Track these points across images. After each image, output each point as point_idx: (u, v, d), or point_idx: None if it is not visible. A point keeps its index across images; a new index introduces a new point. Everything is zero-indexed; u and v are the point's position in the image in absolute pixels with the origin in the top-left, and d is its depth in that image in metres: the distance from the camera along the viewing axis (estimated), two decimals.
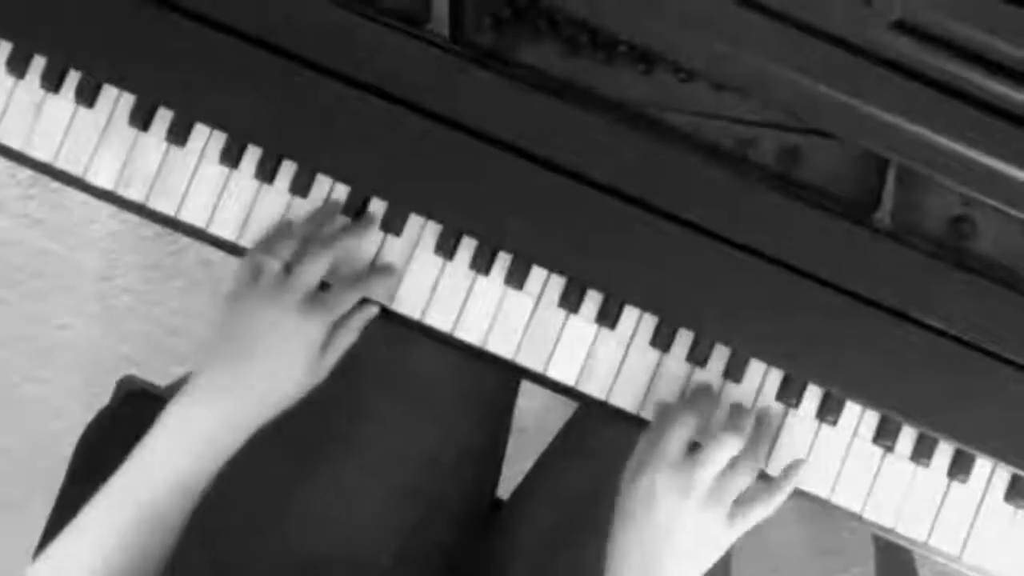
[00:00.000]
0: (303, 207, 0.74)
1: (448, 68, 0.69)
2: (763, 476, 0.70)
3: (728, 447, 0.65)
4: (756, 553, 1.37)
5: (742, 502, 0.66)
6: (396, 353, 0.81)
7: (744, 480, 0.66)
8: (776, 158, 0.71)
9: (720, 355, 0.72)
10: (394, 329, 0.74)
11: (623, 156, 0.68)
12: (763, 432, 0.70)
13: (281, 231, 0.72)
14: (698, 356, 0.72)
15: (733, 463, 0.66)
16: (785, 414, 0.72)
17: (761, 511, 0.67)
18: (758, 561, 1.37)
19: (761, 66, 0.63)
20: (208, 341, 0.69)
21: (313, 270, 0.69)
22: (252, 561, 0.74)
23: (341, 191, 0.73)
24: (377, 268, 0.72)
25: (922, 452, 0.70)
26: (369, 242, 0.73)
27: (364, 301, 0.72)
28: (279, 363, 0.67)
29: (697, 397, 0.70)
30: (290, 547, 0.75)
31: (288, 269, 0.69)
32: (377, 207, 0.73)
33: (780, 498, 0.67)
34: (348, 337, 0.70)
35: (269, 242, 0.71)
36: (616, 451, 0.74)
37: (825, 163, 0.71)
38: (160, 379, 0.91)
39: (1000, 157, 0.63)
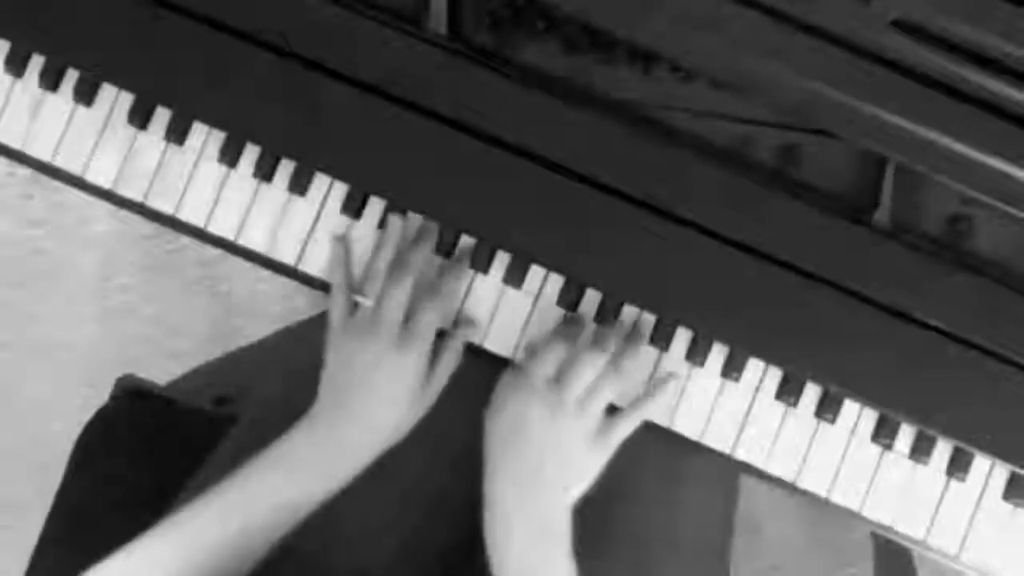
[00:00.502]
0: (302, 206, 0.74)
1: (446, 67, 0.69)
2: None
3: (591, 363, 0.67)
4: (755, 551, 1.37)
5: (611, 419, 0.68)
6: None
7: (610, 389, 0.67)
8: (775, 157, 0.71)
9: (718, 353, 0.72)
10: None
11: (621, 155, 0.68)
12: (629, 347, 0.70)
13: (365, 265, 0.72)
14: (697, 354, 0.72)
15: (601, 375, 0.67)
16: (785, 412, 0.72)
17: (629, 423, 0.68)
18: (757, 559, 1.37)
19: (760, 65, 0.63)
20: (321, 381, 0.70)
21: (398, 297, 0.69)
22: (256, 565, 0.74)
23: (339, 189, 0.73)
24: (445, 276, 0.72)
25: (921, 450, 0.71)
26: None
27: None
28: (382, 401, 0.68)
29: (563, 328, 0.71)
30: (289, 549, 0.75)
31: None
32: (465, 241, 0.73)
33: (648, 410, 0.69)
34: (450, 360, 0.71)
35: (351, 276, 0.72)
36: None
37: (824, 162, 0.71)
38: (159, 378, 0.91)
39: (999, 156, 0.63)
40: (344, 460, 0.68)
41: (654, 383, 0.71)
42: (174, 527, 0.64)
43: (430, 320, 0.69)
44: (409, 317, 0.69)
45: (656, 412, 0.71)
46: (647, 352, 0.72)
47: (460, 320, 0.73)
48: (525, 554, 0.66)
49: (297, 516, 0.66)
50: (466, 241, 0.73)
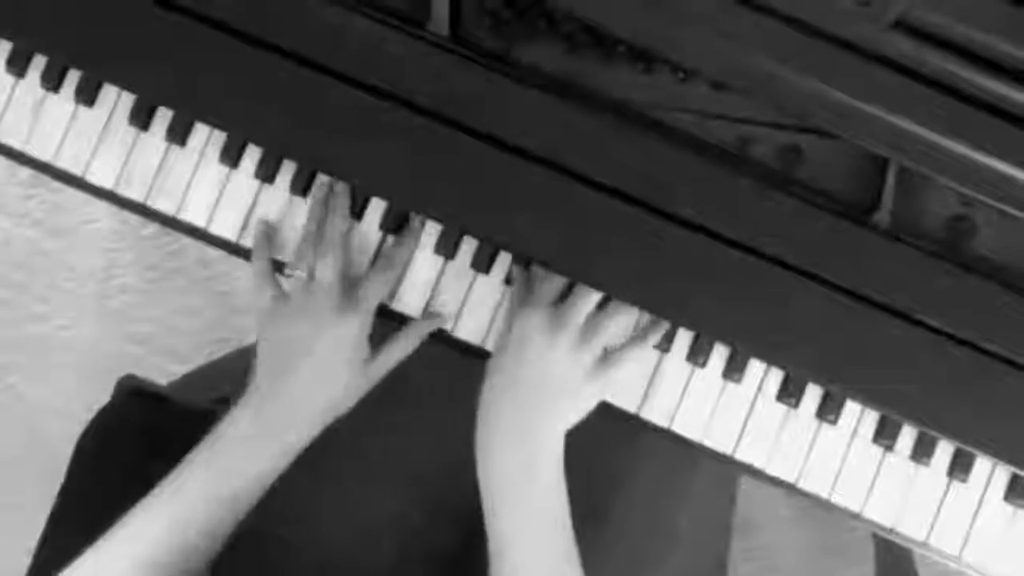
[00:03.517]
0: (304, 206, 0.74)
1: (448, 67, 0.69)
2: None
3: (592, 298, 0.68)
4: (756, 552, 1.37)
5: (607, 357, 0.69)
6: None
7: (614, 324, 0.68)
8: (776, 157, 0.71)
9: (720, 355, 0.72)
10: (391, 331, 0.74)
11: (622, 155, 0.68)
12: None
13: (300, 237, 0.72)
14: (698, 356, 0.72)
15: (602, 312, 0.68)
16: (786, 413, 0.72)
17: (622, 363, 0.69)
18: (758, 560, 1.37)
19: (760, 65, 0.63)
20: (256, 362, 0.69)
21: (331, 264, 0.69)
22: (255, 566, 0.74)
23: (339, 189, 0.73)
24: (392, 247, 0.72)
25: (922, 451, 0.71)
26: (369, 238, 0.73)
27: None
28: (321, 369, 0.67)
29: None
30: (292, 551, 0.75)
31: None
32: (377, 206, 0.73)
33: (646, 349, 0.70)
34: (405, 342, 0.71)
35: (273, 251, 0.72)
36: (615, 445, 0.74)
37: (825, 162, 0.71)
38: (160, 377, 0.91)
39: (1000, 157, 0.63)
40: (288, 432, 0.67)
41: (644, 326, 0.71)
42: (126, 528, 0.64)
43: (373, 289, 0.69)
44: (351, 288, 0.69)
45: (627, 400, 0.71)
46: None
47: (429, 311, 0.73)
48: (516, 472, 0.66)
49: (247, 497, 0.66)
50: (415, 217, 0.73)
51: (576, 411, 0.68)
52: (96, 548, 0.62)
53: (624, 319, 0.70)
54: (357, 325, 0.68)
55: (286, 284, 0.71)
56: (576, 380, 0.68)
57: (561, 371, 0.67)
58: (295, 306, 0.69)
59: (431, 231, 0.73)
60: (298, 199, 0.74)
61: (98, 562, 0.62)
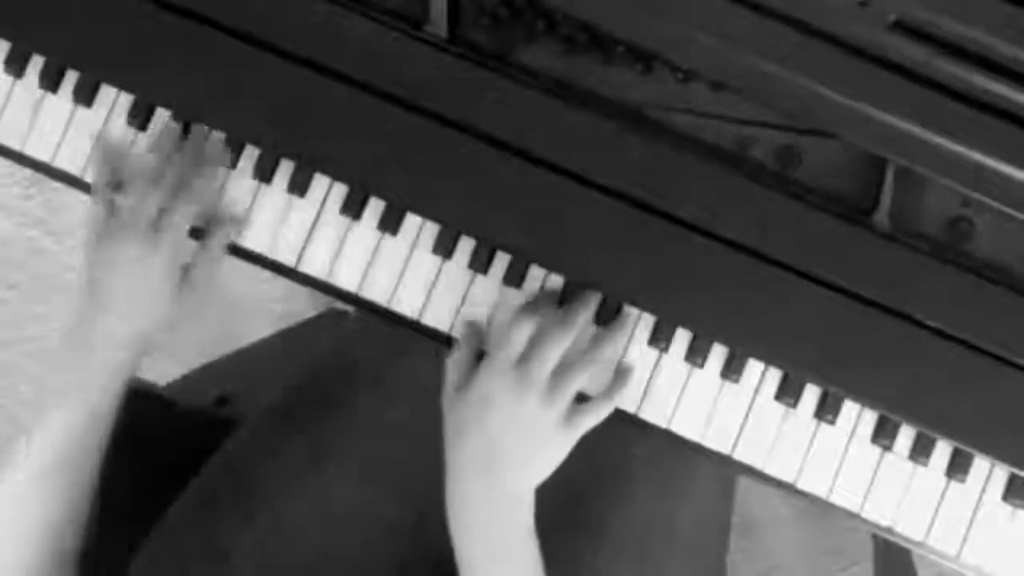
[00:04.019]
0: (302, 206, 0.74)
1: (446, 68, 0.69)
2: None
3: (558, 340, 0.66)
4: (755, 553, 1.37)
5: (578, 407, 0.67)
6: (393, 357, 0.81)
7: (580, 377, 0.66)
8: (774, 158, 0.71)
9: (718, 355, 0.72)
10: (390, 333, 0.74)
11: (621, 156, 0.68)
12: (608, 332, 0.70)
13: (125, 165, 0.73)
14: (696, 356, 0.72)
15: (567, 361, 0.66)
16: (784, 413, 0.72)
17: (596, 413, 0.67)
18: (757, 561, 1.37)
19: (759, 66, 0.63)
20: (82, 279, 0.72)
21: (153, 197, 0.70)
22: (259, 566, 0.74)
23: (339, 190, 0.73)
24: (201, 177, 0.73)
25: (920, 451, 0.71)
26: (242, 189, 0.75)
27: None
28: (138, 291, 0.70)
29: (530, 305, 0.70)
30: (291, 551, 0.75)
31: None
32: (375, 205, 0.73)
33: (617, 398, 0.68)
34: (207, 263, 0.73)
35: (113, 176, 0.73)
36: (613, 445, 0.74)
37: (823, 163, 0.71)
38: (158, 378, 0.91)
39: (999, 158, 0.63)
40: (107, 345, 0.69)
41: (619, 372, 0.70)
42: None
43: (177, 220, 0.70)
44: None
45: (625, 400, 0.70)
46: (631, 342, 0.71)
47: (219, 219, 0.74)
48: (484, 531, 0.66)
49: (96, 425, 0.69)
50: (217, 136, 0.74)
51: (549, 465, 0.67)
52: None
53: (593, 368, 0.68)
54: (163, 255, 0.70)
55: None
56: (547, 434, 0.66)
57: (531, 427, 0.65)
58: (112, 232, 0.70)
59: (429, 231, 0.73)
60: (296, 199, 0.74)
61: None
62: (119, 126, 0.75)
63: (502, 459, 0.65)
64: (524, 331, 0.67)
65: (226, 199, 0.74)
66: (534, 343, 0.66)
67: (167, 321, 0.72)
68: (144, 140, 0.75)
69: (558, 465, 0.67)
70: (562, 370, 0.67)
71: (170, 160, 0.72)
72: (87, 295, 0.70)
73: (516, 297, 0.72)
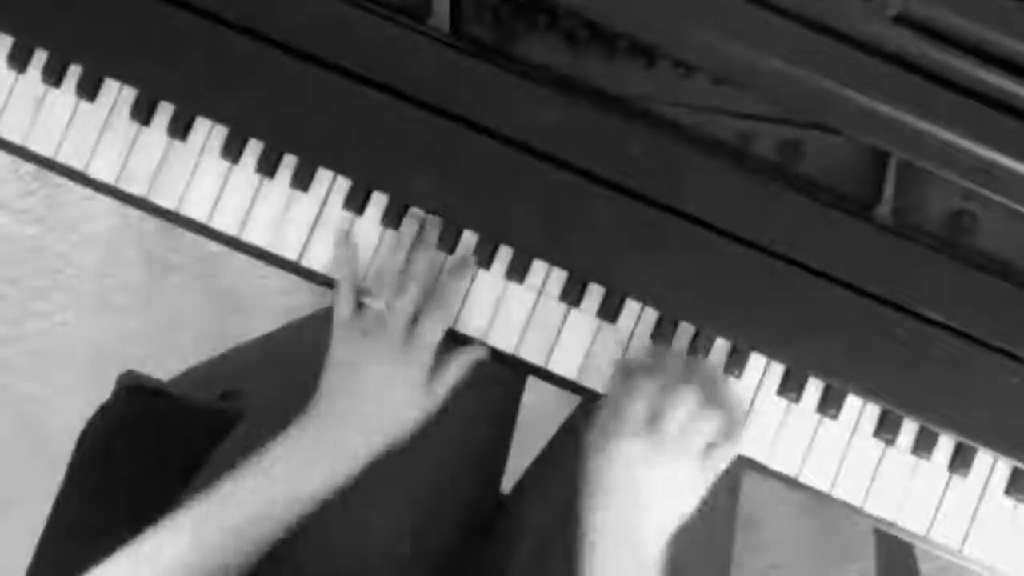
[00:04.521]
0: (304, 201, 0.74)
1: (449, 63, 0.69)
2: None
3: (686, 400, 0.66)
4: (757, 548, 1.37)
5: (709, 448, 0.68)
6: None
7: (707, 427, 0.67)
8: (777, 152, 0.71)
9: (721, 349, 0.72)
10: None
11: (624, 150, 0.68)
12: (721, 381, 0.71)
13: (375, 268, 0.73)
14: (699, 350, 0.72)
15: (694, 412, 0.67)
16: (787, 408, 0.72)
17: (728, 451, 0.69)
18: (759, 556, 1.37)
19: (761, 60, 0.63)
20: (324, 375, 0.70)
21: (407, 304, 0.70)
22: (260, 565, 0.74)
23: (342, 185, 0.73)
24: (449, 280, 0.72)
25: (923, 445, 0.71)
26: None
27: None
28: (386, 405, 0.69)
29: (655, 359, 0.71)
30: (297, 553, 0.75)
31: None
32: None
33: (740, 433, 0.70)
34: (455, 371, 0.71)
35: (360, 277, 0.72)
36: None
37: (826, 157, 0.71)
38: (161, 374, 0.91)
39: (1001, 151, 0.63)
40: (344, 459, 0.68)
41: (736, 415, 0.71)
42: (172, 527, 0.64)
43: (435, 328, 0.70)
44: (415, 321, 0.70)
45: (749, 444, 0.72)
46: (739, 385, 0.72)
47: (474, 337, 0.73)
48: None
49: (292, 515, 0.67)
50: (468, 238, 0.73)
51: (684, 515, 0.68)
52: (128, 553, 0.63)
53: (718, 416, 0.68)
54: (420, 365, 0.69)
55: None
56: (685, 490, 0.68)
57: (669, 487, 0.67)
58: (369, 333, 0.70)
59: (432, 225, 0.73)
60: (299, 194, 0.74)
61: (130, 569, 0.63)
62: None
63: (644, 518, 0.67)
64: (648, 390, 0.67)
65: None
66: (662, 404, 0.67)
67: (416, 423, 0.70)
68: (144, 135, 0.74)
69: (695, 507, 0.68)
70: (689, 426, 0.67)
71: (417, 261, 0.71)
72: (335, 398, 0.69)
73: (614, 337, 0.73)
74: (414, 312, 0.70)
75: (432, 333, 0.70)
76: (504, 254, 0.73)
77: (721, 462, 0.69)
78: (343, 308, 0.71)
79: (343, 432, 0.68)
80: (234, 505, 0.65)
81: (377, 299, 0.71)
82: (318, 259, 0.74)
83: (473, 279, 0.73)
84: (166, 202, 0.74)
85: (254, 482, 0.66)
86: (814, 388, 0.72)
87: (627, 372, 0.71)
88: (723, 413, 0.69)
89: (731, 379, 0.72)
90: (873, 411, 0.71)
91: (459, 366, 0.72)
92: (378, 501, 0.78)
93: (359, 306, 0.71)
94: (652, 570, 0.67)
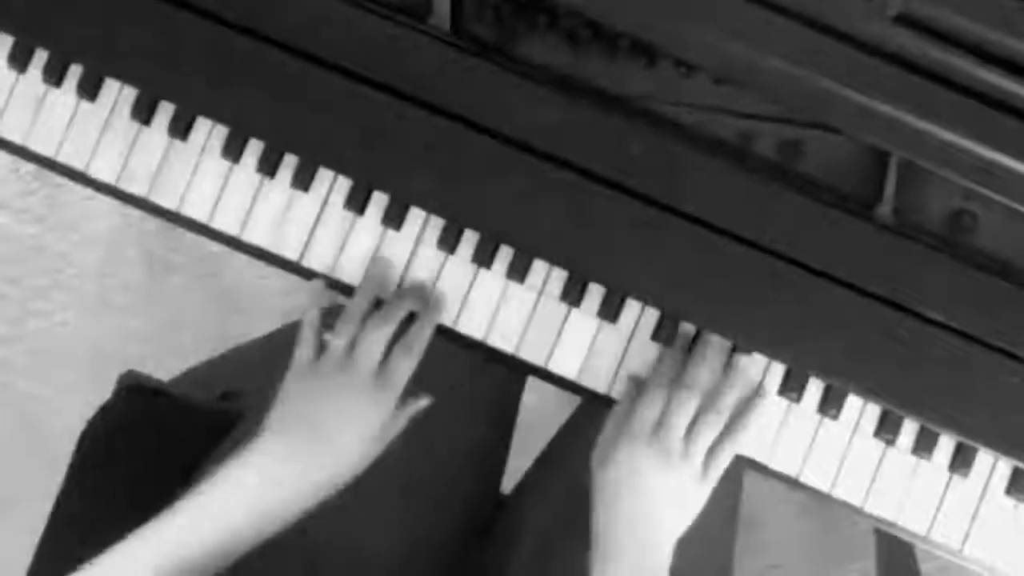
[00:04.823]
0: (305, 201, 0.74)
1: (449, 62, 0.69)
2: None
3: (688, 406, 0.68)
4: (758, 547, 1.37)
5: (711, 451, 0.69)
6: None
7: (710, 433, 0.68)
8: (777, 151, 0.71)
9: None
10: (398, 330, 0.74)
11: (624, 150, 0.68)
12: (727, 381, 0.70)
13: (342, 308, 0.72)
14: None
15: (697, 418, 0.68)
16: (787, 408, 0.72)
17: (728, 454, 0.69)
18: (760, 556, 1.37)
19: (762, 60, 0.63)
20: (275, 410, 0.69)
21: (376, 347, 0.69)
22: (262, 564, 0.74)
23: (343, 184, 0.73)
24: (416, 328, 0.72)
25: (924, 445, 0.71)
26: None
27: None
28: (348, 441, 0.68)
29: (659, 368, 0.71)
30: (297, 547, 0.75)
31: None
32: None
33: (742, 437, 0.70)
34: (411, 411, 0.71)
35: (330, 317, 0.71)
36: None
37: (827, 156, 0.71)
38: (162, 374, 0.91)
39: (1002, 151, 0.63)
40: (311, 484, 0.67)
41: (741, 410, 0.71)
42: (128, 550, 0.63)
43: (405, 369, 0.69)
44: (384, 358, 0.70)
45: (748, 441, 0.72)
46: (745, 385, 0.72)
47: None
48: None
49: (260, 536, 0.66)
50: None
51: (691, 519, 0.69)
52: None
53: (720, 421, 0.69)
54: (388, 401, 0.69)
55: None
56: (691, 494, 0.69)
57: (677, 493, 0.68)
58: (334, 372, 0.69)
59: (433, 226, 0.73)
60: (300, 194, 0.74)
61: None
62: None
63: (654, 524, 0.67)
64: (657, 398, 0.68)
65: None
66: (668, 410, 0.68)
67: (365, 466, 0.69)
68: (145, 135, 0.74)
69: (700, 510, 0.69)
70: (694, 430, 0.68)
71: (394, 309, 0.71)
72: (300, 425, 0.67)
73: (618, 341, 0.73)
74: (382, 352, 0.69)
75: (403, 373, 0.69)
76: (504, 254, 0.73)
77: (722, 464, 0.69)
78: (306, 349, 0.70)
79: (317, 455, 0.67)
80: (204, 522, 0.64)
81: (339, 337, 0.69)
82: (318, 259, 0.74)
83: (473, 279, 0.73)
84: (167, 202, 0.74)
85: (203, 510, 0.65)
86: (815, 388, 0.72)
87: (637, 381, 0.71)
88: (724, 416, 0.69)
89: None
90: (874, 411, 0.71)
91: (415, 406, 0.72)
92: (378, 501, 0.78)
93: (321, 347, 0.70)
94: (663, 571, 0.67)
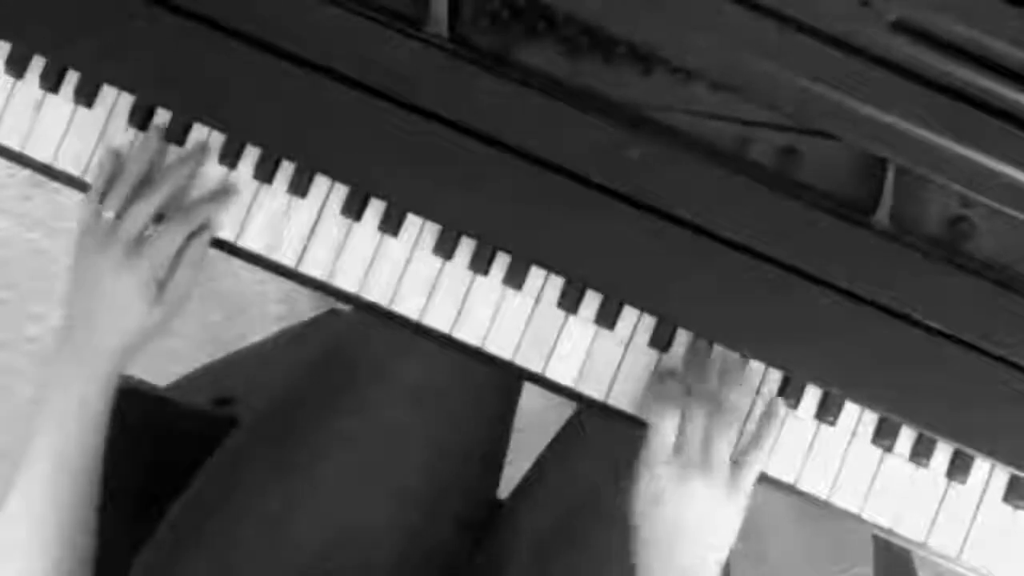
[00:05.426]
0: (302, 207, 0.74)
1: (446, 68, 0.69)
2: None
3: (731, 432, 0.66)
4: (756, 555, 1.36)
5: (738, 461, 0.67)
6: (397, 355, 0.81)
7: (724, 443, 0.66)
8: (774, 158, 0.71)
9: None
10: (394, 332, 0.73)
11: (621, 156, 0.68)
12: (725, 387, 0.69)
13: (118, 173, 0.73)
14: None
15: (711, 431, 0.66)
16: (785, 415, 0.72)
17: (756, 464, 0.68)
18: (755, 564, 1.37)
19: (759, 66, 0.63)
20: (67, 294, 0.72)
21: (138, 214, 0.70)
22: (261, 568, 0.74)
23: (340, 191, 0.73)
24: (204, 198, 0.73)
25: (921, 452, 0.70)
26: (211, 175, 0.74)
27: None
28: (115, 309, 0.69)
29: (699, 392, 0.70)
30: (296, 551, 0.75)
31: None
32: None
33: (768, 445, 0.68)
34: (185, 272, 0.72)
35: (106, 186, 0.72)
36: (614, 451, 0.74)
37: (824, 163, 0.70)
38: (157, 379, 0.91)
39: (999, 158, 0.63)
40: (95, 362, 0.69)
41: (762, 417, 0.70)
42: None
43: (171, 239, 0.70)
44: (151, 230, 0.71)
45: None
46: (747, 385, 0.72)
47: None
48: None
49: (93, 437, 0.69)
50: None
51: (730, 534, 0.68)
52: None
53: (734, 431, 0.67)
54: (146, 271, 0.70)
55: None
56: (720, 508, 0.67)
57: (704, 508, 0.66)
58: (97, 242, 0.70)
59: (430, 232, 0.73)
60: (297, 200, 0.74)
61: None
62: (119, 127, 0.75)
63: (692, 544, 0.66)
64: (671, 424, 0.67)
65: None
66: (684, 432, 0.67)
67: (152, 327, 0.71)
68: (143, 140, 0.74)
69: (740, 526, 0.68)
70: (711, 446, 0.67)
71: (159, 171, 0.72)
72: (68, 305, 0.70)
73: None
74: (147, 222, 0.70)
75: (166, 243, 0.70)
76: (502, 261, 0.73)
77: (752, 470, 0.68)
78: (81, 221, 0.71)
79: (81, 332, 0.69)
80: (38, 460, 0.68)
81: (107, 208, 0.71)
82: (316, 265, 0.74)
83: (470, 286, 0.73)
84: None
85: (40, 429, 0.68)
86: (812, 395, 0.72)
87: (663, 376, 0.71)
88: (737, 424, 0.67)
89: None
90: (871, 418, 0.71)
91: (186, 264, 0.72)
92: (376, 501, 0.77)
93: (98, 217, 0.71)
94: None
